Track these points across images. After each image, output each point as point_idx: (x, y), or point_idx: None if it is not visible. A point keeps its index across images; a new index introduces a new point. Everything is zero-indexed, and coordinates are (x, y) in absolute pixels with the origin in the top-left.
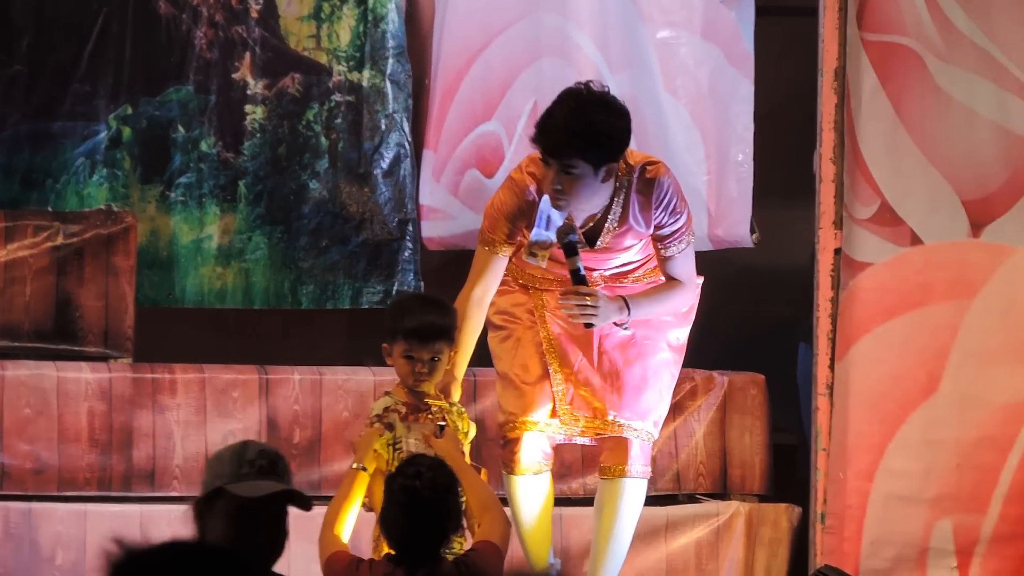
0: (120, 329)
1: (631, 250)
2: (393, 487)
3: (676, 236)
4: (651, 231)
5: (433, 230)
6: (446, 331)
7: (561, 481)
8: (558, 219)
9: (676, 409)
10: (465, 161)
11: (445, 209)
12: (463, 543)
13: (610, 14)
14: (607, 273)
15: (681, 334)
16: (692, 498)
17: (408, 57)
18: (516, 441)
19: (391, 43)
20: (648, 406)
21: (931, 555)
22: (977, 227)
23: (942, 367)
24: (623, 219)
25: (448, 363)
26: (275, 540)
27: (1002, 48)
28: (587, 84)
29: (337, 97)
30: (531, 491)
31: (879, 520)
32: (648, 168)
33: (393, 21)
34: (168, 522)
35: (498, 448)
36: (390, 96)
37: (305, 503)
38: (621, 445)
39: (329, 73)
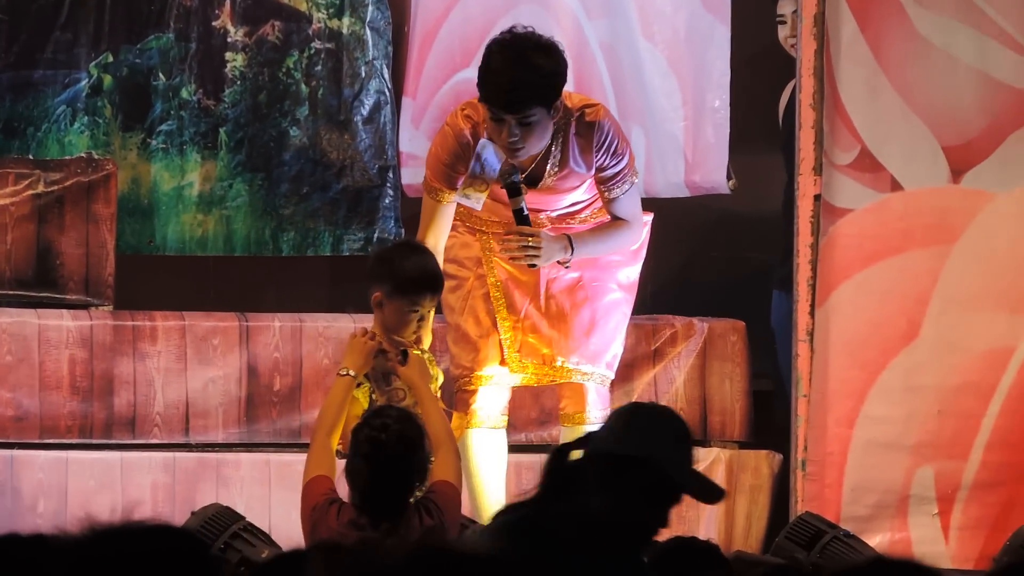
0: (101, 277)
1: (576, 190)
2: (359, 438)
3: (619, 177)
4: (593, 172)
5: (412, 177)
6: (441, 283)
7: (541, 428)
8: (493, 160)
9: (656, 356)
10: (444, 108)
11: (424, 156)
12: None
13: None
14: (554, 215)
15: (631, 272)
16: None
17: (387, 4)
18: (472, 394)
19: None
20: (598, 348)
21: (912, 502)
22: (957, 173)
23: (923, 313)
24: (563, 162)
25: None
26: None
27: None
28: (511, 31)
29: (317, 44)
30: (487, 445)
31: (860, 467)
32: (587, 111)
33: None
34: (148, 469)
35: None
36: (370, 43)
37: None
38: (578, 391)
39: (309, 20)
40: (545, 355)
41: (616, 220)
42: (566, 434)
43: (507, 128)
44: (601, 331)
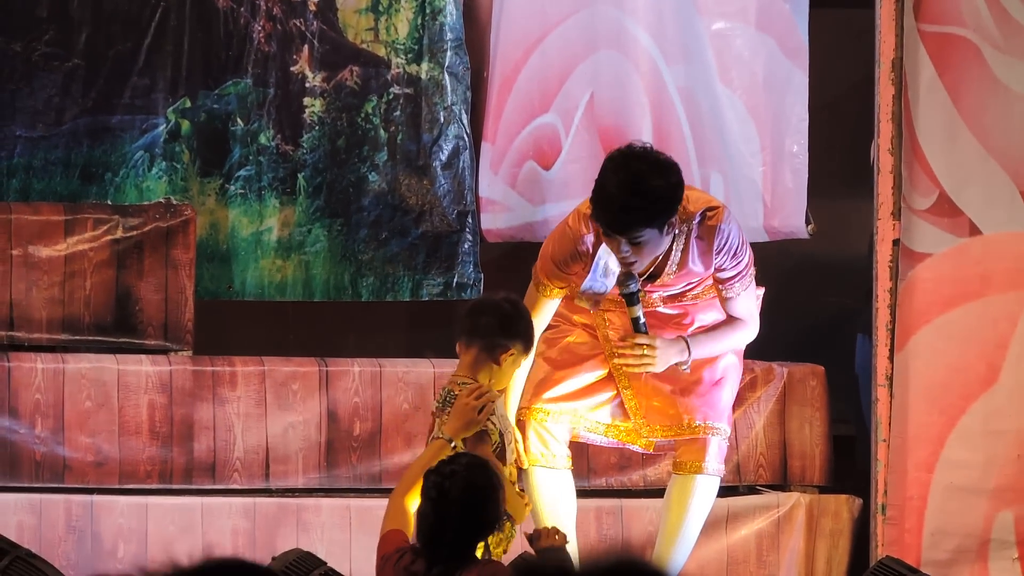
0: (180, 322)
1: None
2: (427, 483)
3: (737, 278)
4: (711, 272)
5: (492, 222)
6: (514, 333)
7: (622, 473)
8: (615, 266)
9: (736, 400)
10: (523, 153)
11: (503, 201)
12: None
13: (666, 6)
14: (666, 294)
15: None
16: (752, 489)
17: (466, 49)
18: (522, 430)
19: (449, 35)
20: (725, 404)
21: (992, 546)
22: None
23: (1002, 358)
24: (683, 263)
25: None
26: None
27: None
28: (629, 147)
29: (396, 89)
30: (544, 484)
31: (940, 511)
32: (708, 215)
33: (451, 13)
34: (229, 514)
35: None
36: (448, 88)
37: None
38: (699, 442)
39: (387, 66)
40: (672, 415)
41: (732, 319)
42: (677, 482)
43: (618, 244)
44: (728, 386)
